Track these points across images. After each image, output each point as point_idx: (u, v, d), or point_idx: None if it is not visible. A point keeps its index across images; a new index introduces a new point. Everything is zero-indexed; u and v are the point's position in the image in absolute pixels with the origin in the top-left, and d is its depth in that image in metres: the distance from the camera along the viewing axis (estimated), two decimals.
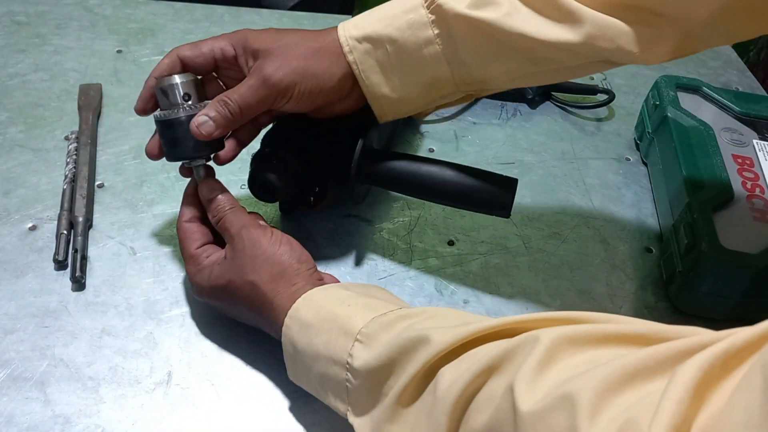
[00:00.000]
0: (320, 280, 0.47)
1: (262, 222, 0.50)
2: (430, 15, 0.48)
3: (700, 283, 0.53)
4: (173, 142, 0.49)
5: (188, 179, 0.52)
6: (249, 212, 0.50)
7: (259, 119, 0.53)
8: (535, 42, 0.46)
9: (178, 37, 0.82)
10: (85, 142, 0.64)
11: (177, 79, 0.48)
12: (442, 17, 0.48)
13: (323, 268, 0.56)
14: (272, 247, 0.46)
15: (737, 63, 0.91)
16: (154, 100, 0.50)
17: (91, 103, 0.69)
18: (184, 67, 0.50)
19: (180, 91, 0.48)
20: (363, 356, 0.38)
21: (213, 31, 0.83)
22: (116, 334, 0.50)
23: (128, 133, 0.67)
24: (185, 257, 0.49)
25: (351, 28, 0.49)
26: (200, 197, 0.50)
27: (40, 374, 0.46)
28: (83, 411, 0.45)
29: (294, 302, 0.43)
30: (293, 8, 1.03)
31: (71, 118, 0.68)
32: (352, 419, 0.40)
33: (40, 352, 0.48)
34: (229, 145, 0.52)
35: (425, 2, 0.48)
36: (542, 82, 0.53)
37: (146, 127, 0.68)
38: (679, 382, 0.24)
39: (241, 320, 0.49)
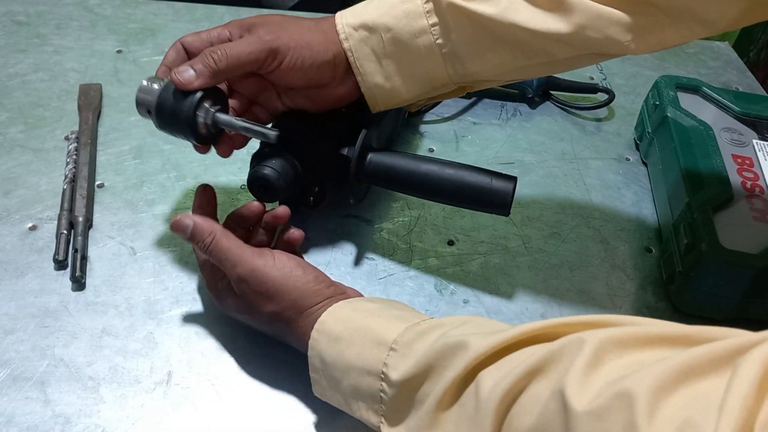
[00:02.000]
0: (343, 294, 0.46)
1: (264, 246, 0.50)
2: (426, 5, 0.48)
3: (700, 283, 0.53)
4: (172, 114, 0.48)
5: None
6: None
7: (259, 115, 0.53)
8: (527, 33, 0.47)
9: (178, 37, 0.81)
10: (85, 142, 0.64)
11: (144, 80, 0.49)
12: (437, 7, 0.48)
13: (323, 268, 0.56)
14: (282, 273, 0.45)
15: (737, 63, 0.91)
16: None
17: (91, 103, 0.69)
18: (187, 53, 0.51)
19: (154, 81, 0.49)
20: (399, 365, 0.38)
21: None
22: (116, 334, 0.50)
23: (128, 133, 0.67)
24: (208, 288, 0.50)
25: (348, 16, 0.50)
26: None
27: (41, 374, 0.46)
28: (83, 411, 0.45)
29: (320, 317, 0.43)
30: (293, 8, 1.03)
31: (71, 118, 0.68)
32: (386, 430, 0.39)
33: (41, 352, 0.48)
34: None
35: None
36: (534, 75, 0.54)
37: (146, 127, 0.68)
38: (742, 378, 0.24)
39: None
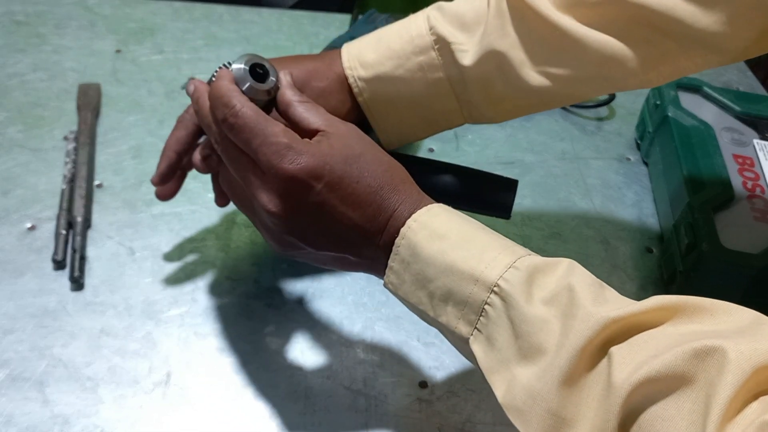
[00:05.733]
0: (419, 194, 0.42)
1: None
2: (440, 58, 0.47)
3: (700, 283, 0.53)
4: None
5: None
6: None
7: None
8: (544, 81, 0.46)
9: (177, 36, 0.81)
10: (84, 142, 0.63)
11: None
12: (452, 61, 0.47)
13: (322, 269, 0.56)
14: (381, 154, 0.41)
15: (738, 63, 0.91)
16: (172, 173, 0.49)
17: (90, 102, 0.69)
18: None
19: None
20: (521, 288, 0.34)
21: (212, 30, 0.83)
22: (115, 334, 0.49)
23: (127, 133, 0.67)
24: (264, 142, 0.38)
25: (359, 68, 0.48)
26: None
27: (39, 374, 0.46)
28: (82, 411, 0.45)
29: (418, 209, 0.39)
30: (293, 7, 1.03)
31: (70, 118, 0.68)
32: (476, 346, 0.36)
33: (39, 352, 0.48)
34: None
35: (435, 44, 0.47)
36: (547, 109, 0.54)
37: (145, 126, 0.68)
38: None
39: (317, 222, 0.40)
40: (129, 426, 0.44)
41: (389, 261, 0.39)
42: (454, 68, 0.47)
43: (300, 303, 0.53)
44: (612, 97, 0.77)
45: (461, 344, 0.37)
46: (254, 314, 0.52)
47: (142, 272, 0.54)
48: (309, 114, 0.41)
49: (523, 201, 0.65)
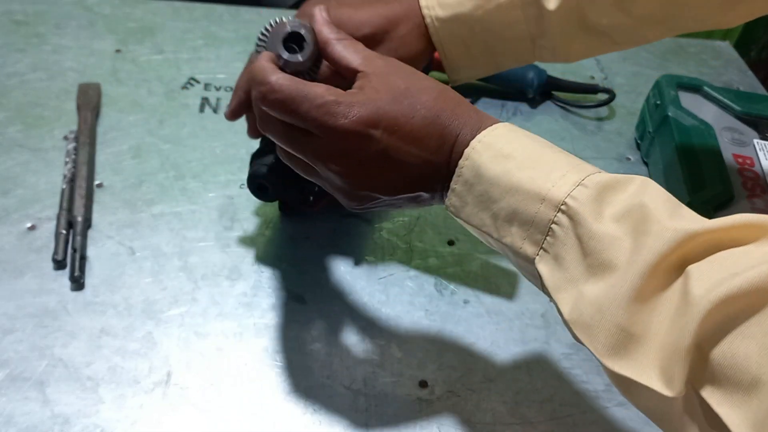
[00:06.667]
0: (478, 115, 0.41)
1: None
2: None
3: None
4: None
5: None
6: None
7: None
8: (622, 19, 0.47)
9: (177, 36, 0.81)
10: (84, 142, 0.63)
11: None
12: (533, 1, 0.48)
13: (323, 268, 0.56)
14: (417, 91, 0.39)
15: (738, 62, 0.91)
16: (243, 109, 0.48)
17: (89, 102, 0.69)
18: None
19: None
20: (589, 208, 0.33)
21: (212, 30, 0.83)
22: (115, 334, 0.49)
23: (127, 133, 0.67)
24: (312, 106, 0.38)
25: (437, 8, 0.49)
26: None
27: (39, 374, 0.46)
28: (82, 411, 0.45)
29: (482, 130, 0.38)
30: (293, 7, 1.03)
31: (70, 118, 0.68)
32: (542, 266, 0.35)
33: (39, 352, 0.48)
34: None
35: None
36: (615, 50, 0.54)
37: (145, 126, 0.68)
38: None
39: (378, 167, 0.39)
40: (129, 426, 0.44)
41: (451, 183, 0.38)
42: (533, 8, 0.48)
43: (300, 303, 0.53)
44: (612, 97, 0.77)
45: (526, 264, 0.36)
46: (254, 314, 0.52)
47: (142, 272, 0.54)
48: (347, 52, 0.41)
49: None
